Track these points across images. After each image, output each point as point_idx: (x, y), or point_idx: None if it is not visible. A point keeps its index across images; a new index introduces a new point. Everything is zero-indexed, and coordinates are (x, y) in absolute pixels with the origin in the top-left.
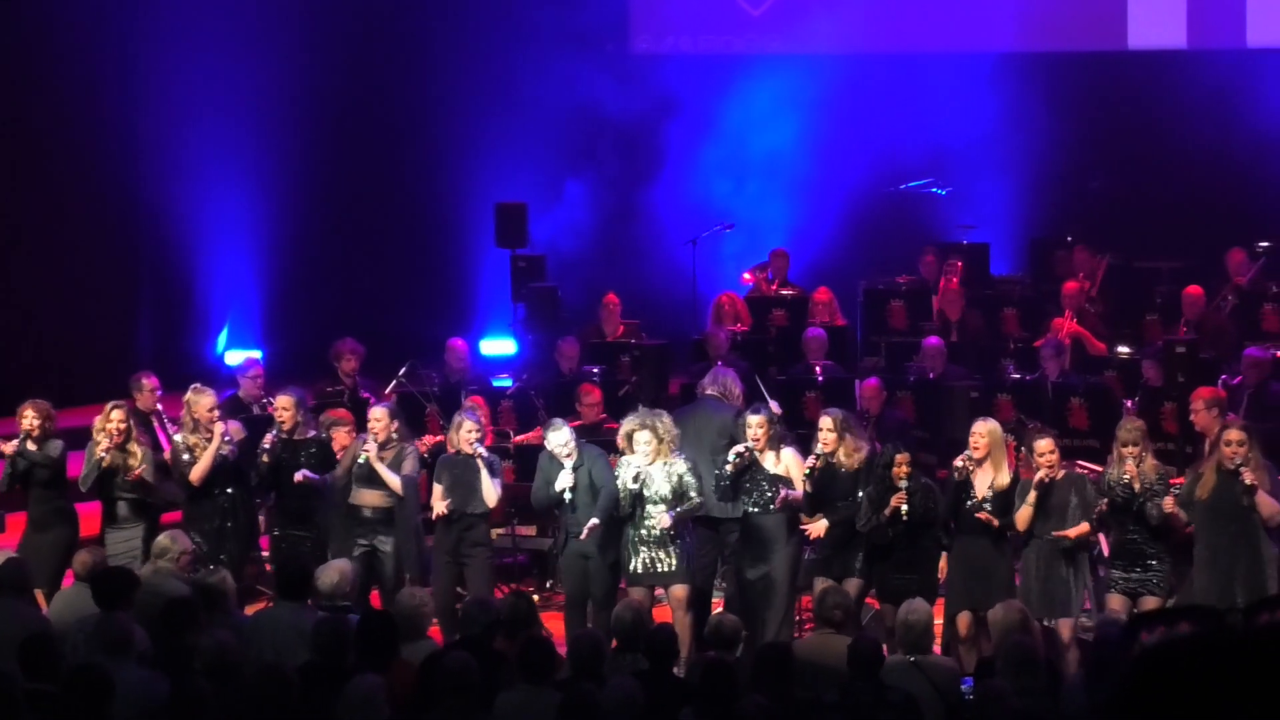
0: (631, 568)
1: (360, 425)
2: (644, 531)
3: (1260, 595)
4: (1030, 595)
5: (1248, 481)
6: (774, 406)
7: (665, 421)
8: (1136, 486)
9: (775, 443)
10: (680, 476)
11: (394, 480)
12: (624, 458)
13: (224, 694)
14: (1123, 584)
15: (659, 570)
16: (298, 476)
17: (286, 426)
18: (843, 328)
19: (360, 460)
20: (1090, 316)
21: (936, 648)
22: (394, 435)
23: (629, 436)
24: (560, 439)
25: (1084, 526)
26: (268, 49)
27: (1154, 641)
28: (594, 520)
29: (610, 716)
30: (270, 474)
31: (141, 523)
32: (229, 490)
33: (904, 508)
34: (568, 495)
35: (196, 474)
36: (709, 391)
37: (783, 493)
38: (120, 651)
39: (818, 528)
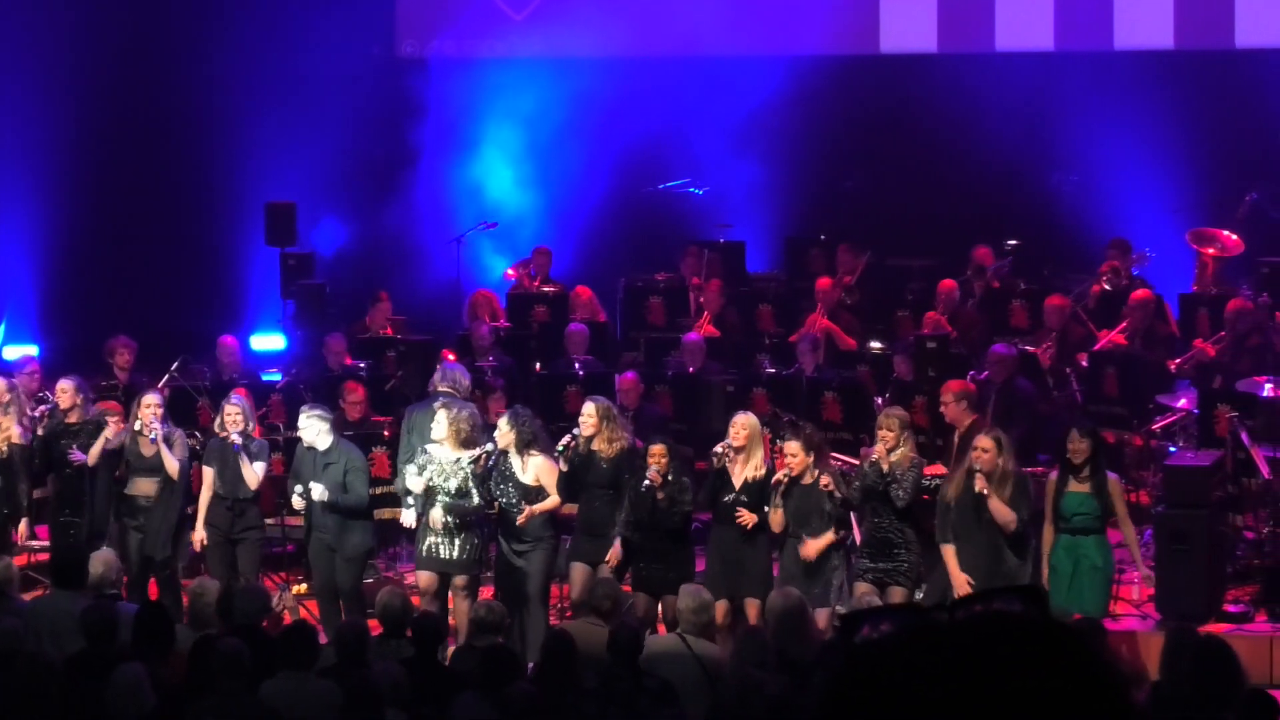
0: (417, 551)
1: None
2: (431, 518)
3: None
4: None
5: (977, 488)
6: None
7: (465, 416)
8: (884, 467)
9: (523, 446)
10: (466, 475)
11: (173, 464)
12: (424, 449)
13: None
14: (870, 573)
15: (441, 557)
16: (72, 457)
17: (63, 407)
18: (603, 324)
19: (153, 440)
20: (844, 313)
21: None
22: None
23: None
24: (313, 429)
25: (828, 537)
26: (40, 45)
27: (859, 640)
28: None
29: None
30: (43, 450)
31: None
32: None
33: (659, 494)
34: (316, 494)
35: None
36: (441, 388)
37: (526, 510)
38: None
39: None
